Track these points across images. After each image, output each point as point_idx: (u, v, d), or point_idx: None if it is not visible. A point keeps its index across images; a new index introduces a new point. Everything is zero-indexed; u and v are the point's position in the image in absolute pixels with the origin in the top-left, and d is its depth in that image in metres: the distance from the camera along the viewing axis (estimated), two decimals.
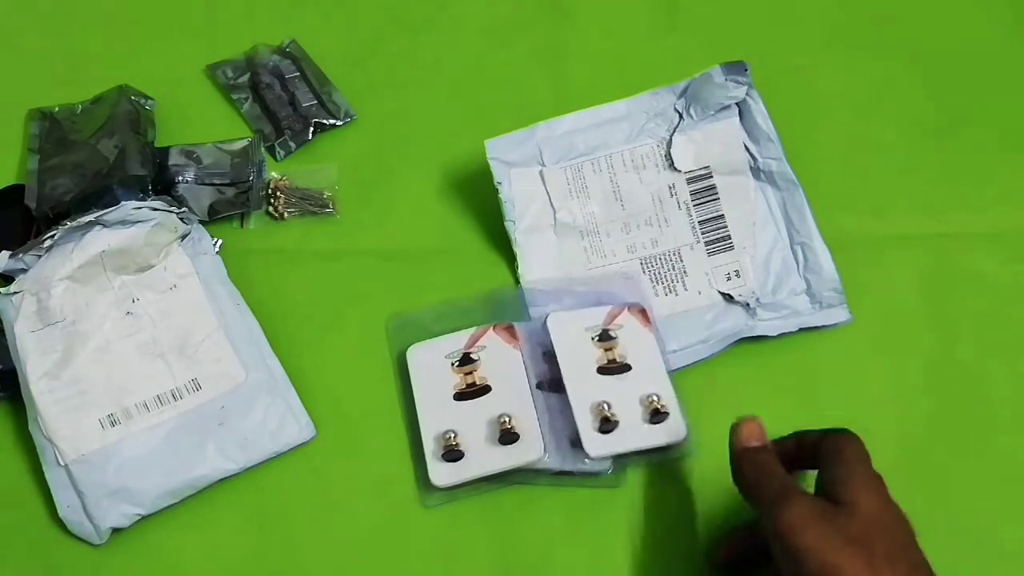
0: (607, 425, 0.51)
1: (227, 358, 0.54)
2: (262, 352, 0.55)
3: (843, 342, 0.56)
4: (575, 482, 0.52)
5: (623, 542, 0.51)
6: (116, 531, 0.51)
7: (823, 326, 0.56)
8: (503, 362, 0.54)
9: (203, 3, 0.68)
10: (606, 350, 0.54)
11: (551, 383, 0.54)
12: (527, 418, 0.52)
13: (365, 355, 0.56)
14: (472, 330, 0.55)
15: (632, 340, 0.54)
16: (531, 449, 0.51)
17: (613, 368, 0.53)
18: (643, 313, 0.55)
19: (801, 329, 0.56)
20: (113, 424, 0.52)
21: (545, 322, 0.54)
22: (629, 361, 0.54)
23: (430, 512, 0.52)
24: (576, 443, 0.52)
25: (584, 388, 0.53)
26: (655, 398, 0.52)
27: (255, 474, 0.53)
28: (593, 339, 0.54)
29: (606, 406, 0.51)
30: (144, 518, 0.51)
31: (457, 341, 0.55)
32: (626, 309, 0.55)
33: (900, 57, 0.65)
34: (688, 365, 0.55)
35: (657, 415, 0.52)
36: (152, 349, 0.54)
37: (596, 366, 0.53)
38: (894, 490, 0.52)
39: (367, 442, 0.54)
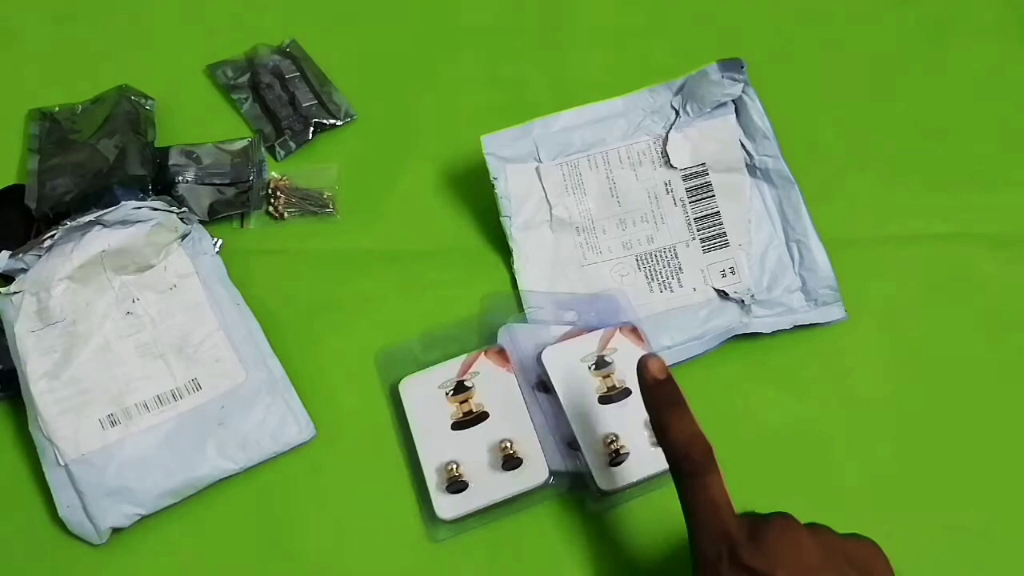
0: (617, 458, 0.48)
1: (227, 358, 0.52)
2: (262, 352, 0.53)
3: (839, 340, 0.54)
4: (586, 495, 0.50)
5: (640, 559, 0.49)
6: (116, 531, 0.49)
7: (818, 324, 0.54)
8: (498, 387, 0.51)
9: (203, 3, 0.65)
10: (604, 378, 0.51)
11: (546, 384, 0.51)
12: (528, 441, 0.49)
13: (365, 355, 0.54)
14: (463, 357, 0.52)
15: (628, 362, 0.51)
16: (536, 472, 0.49)
17: (613, 396, 0.51)
18: (634, 332, 0.52)
19: (796, 327, 0.54)
20: (113, 424, 0.50)
21: (540, 357, 0.51)
22: (629, 385, 0.51)
23: (421, 519, 0.50)
24: (573, 444, 0.49)
25: (589, 422, 0.50)
26: None
27: (255, 474, 0.51)
28: (590, 368, 0.51)
29: (614, 438, 0.49)
30: (144, 518, 0.49)
31: (449, 370, 0.52)
32: (617, 331, 0.52)
33: (898, 55, 0.63)
34: (682, 361, 0.53)
35: None
36: (152, 349, 0.52)
37: (597, 396, 0.50)
38: (889, 490, 0.50)
39: (366, 444, 0.52)
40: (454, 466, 0.49)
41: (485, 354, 0.52)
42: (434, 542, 0.49)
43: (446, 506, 0.49)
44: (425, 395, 0.51)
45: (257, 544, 0.50)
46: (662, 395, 0.41)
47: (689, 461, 0.39)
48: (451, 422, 0.50)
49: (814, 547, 0.37)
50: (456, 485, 0.48)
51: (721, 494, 0.39)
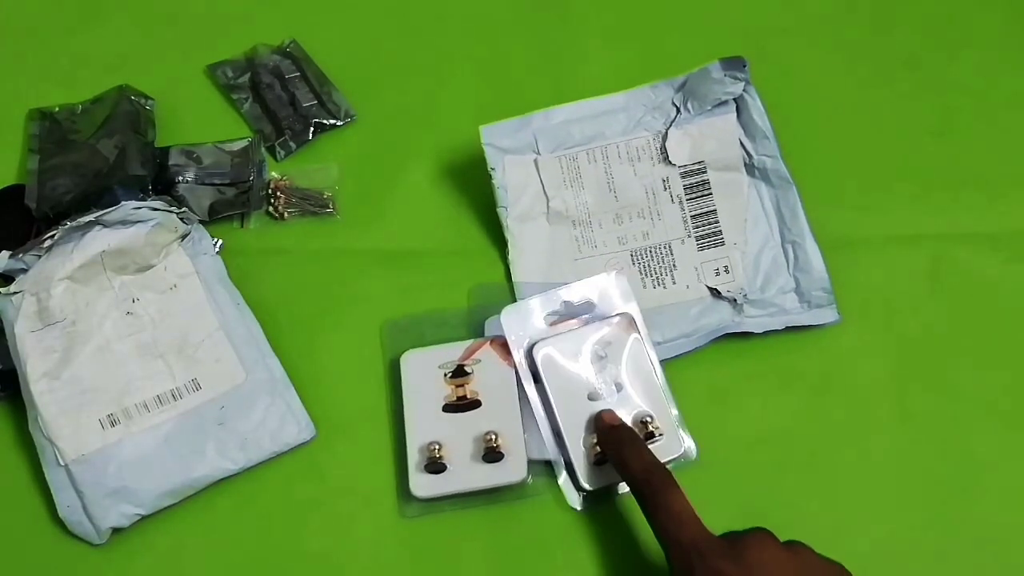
0: (603, 457, 0.47)
1: (227, 358, 0.51)
2: (262, 352, 0.51)
3: (835, 341, 0.52)
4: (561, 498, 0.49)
5: (618, 558, 0.48)
6: (116, 531, 0.48)
7: (810, 325, 0.52)
8: (496, 378, 0.50)
9: (203, 3, 0.63)
10: (597, 372, 0.49)
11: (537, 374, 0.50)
12: (514, 438, 0.48)
13: (365, 355, 0.53)
14: (468, 342, 0.51)
15: (622, 357, 0.50)
16: (514, 470, 0.48)
17: (603, 392, 0.49)
18: (631, 324, 0.50)
19: (788, 328, 0.52)
20: (113, 424, 0.49)
21: (531, 351, 0.50)
22: (622, 379, 0.49)
23: (410, 522, 0.49)
24: (558, 434, 0.48)
25: (576, 419, 0.48)
26: (649, 419, 0.48)
27: (255, 474, 0.50)
28: (582, 363, 0.50)
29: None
30: (144, 518, 0.48)
31: (452, 352, 0.50)
32: (610, 325, 0.50)
33: (898, 56, 0.61)
34: (672, 358, 0.52)
35: (652, 438, 0.48)
36: (152, 349, 0.50)
37: (586, 393, 0.49)
38: (883, 493, 0.49)
39: (366, 444, 0.51)
40: (436, 447, 0.48)
41: (491, 343, 0.50)
42: (403, 518, 0.49)
43: (421, 484, 0.48)
44: (424, 372, 0.50)
45: (257, 544, 0.49)
46: (617, 437, 0.45)
47: (649, 485, 0.42)
48: (443, 404, 0.50)
49: (790, 562, 0.38)
50: (434, 465, 0.48)
51: (685, 508, 0.40)
